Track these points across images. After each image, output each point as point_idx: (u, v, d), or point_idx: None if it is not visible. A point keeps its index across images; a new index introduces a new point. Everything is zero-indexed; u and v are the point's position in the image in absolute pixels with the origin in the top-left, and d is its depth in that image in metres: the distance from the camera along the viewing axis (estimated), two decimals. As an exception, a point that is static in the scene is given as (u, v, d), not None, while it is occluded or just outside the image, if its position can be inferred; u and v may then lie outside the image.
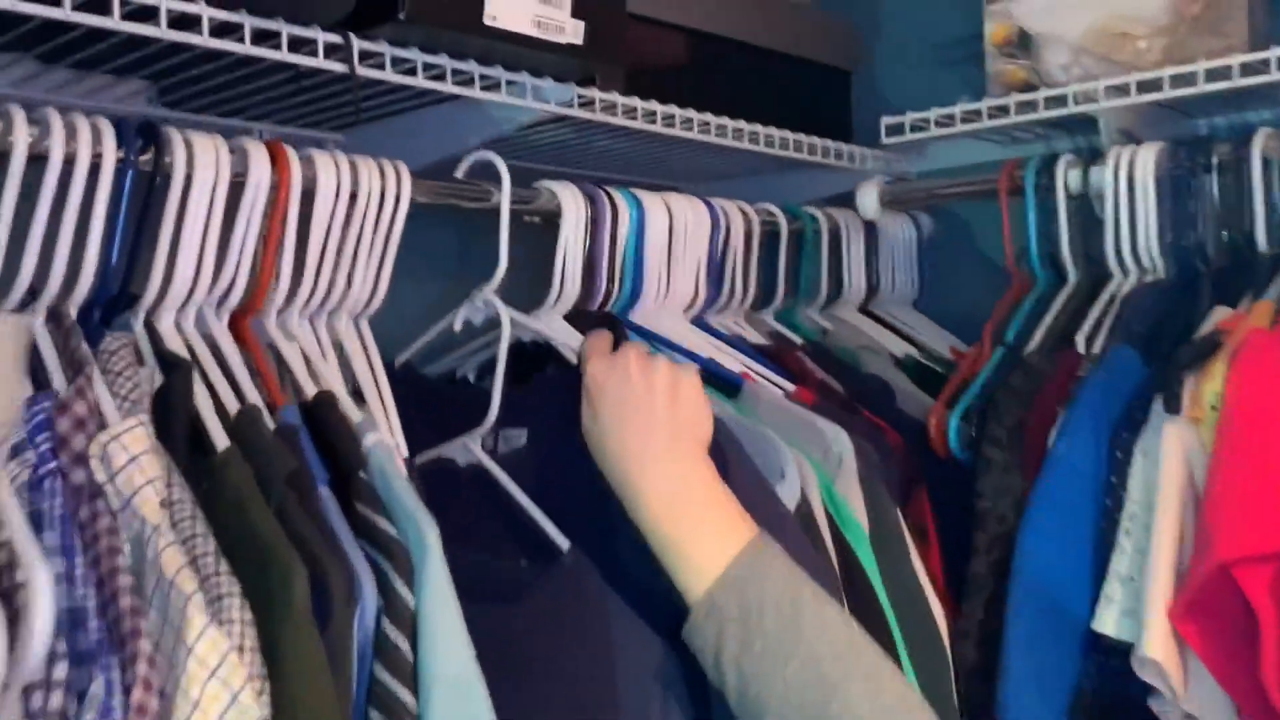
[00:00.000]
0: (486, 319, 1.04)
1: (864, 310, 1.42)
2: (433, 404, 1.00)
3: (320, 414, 0.79)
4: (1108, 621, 0.88)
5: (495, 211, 1.02)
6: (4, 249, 0.71)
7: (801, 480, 0.91)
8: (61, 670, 0.54)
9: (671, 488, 0.79)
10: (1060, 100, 1.15)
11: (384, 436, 0.79)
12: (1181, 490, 0.87)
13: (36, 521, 0.59)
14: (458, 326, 1.05)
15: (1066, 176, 1.16)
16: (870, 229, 1.42)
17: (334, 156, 0.87)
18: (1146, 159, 1.10)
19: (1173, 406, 0.89)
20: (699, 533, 0.78)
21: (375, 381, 0.90)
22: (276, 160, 0.82)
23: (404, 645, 0.67)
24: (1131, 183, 1.11)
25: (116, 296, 0.78)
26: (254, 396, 0.78)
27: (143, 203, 0.77)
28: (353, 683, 0.66)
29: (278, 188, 0.83)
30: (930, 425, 1.07)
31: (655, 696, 0.81)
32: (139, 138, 0.76)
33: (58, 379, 0.69)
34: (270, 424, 0.75)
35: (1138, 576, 0.88)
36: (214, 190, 0.79)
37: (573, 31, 0.95)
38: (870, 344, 1.33)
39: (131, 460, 0.62)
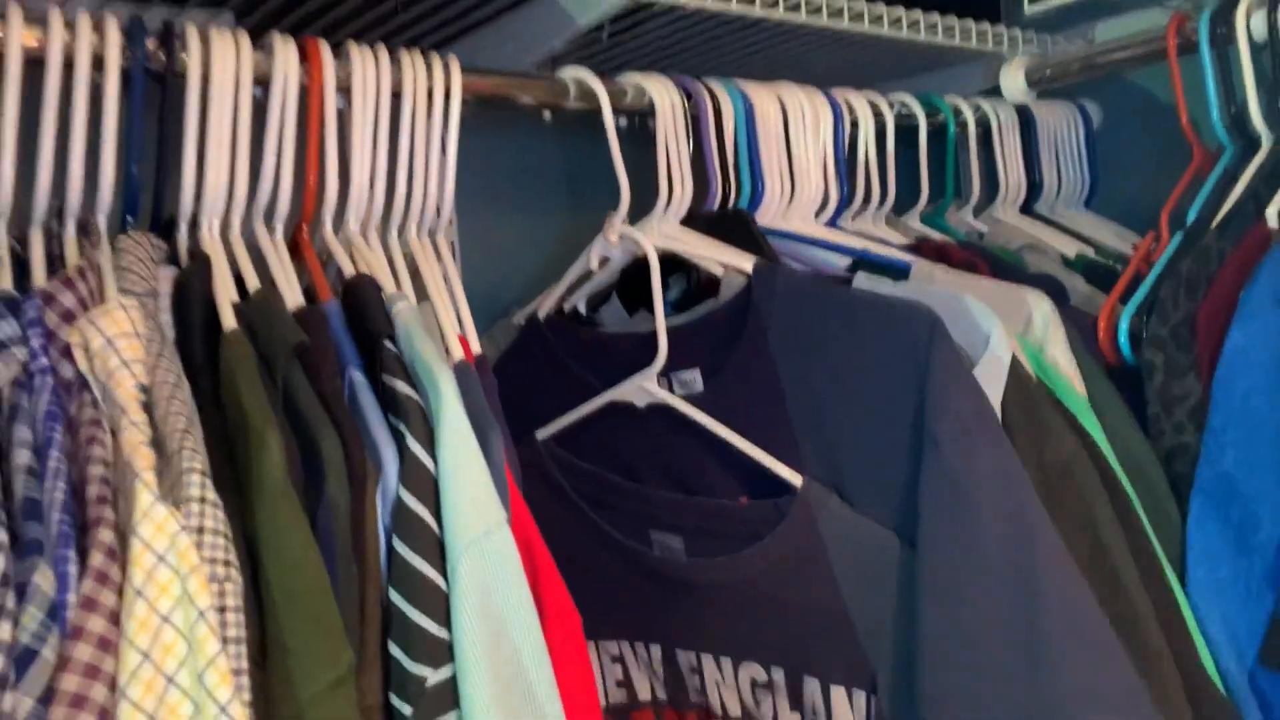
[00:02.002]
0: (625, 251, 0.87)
1: (1026, 211, 1.16)
2: (580, 351, 0.86)
3: (354, 294, 0.66)
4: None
5: (585, 117, 0.85)
6: (12, 160, 0.61)
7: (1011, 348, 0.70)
8: None
9: None
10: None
11: (411, 302, 0.65)
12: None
13: (13, 415, 0.50)
14: (594, 265, 0.89)
15: (1249, 20, 0.87)
16: (1027, 120, 1.15)
17: (375, 51, 0.73)
18: (1358, -18, 0.79)
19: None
20: None
21: (450, 292, 0.75)
22: (307, 56, 0.69)
23: (422, 511, 0.54)
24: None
25: (156, 216, 0.67)
26: (292, 292, 0.66)
27: (161, 107, 0.66)
28: (379, 561, 0.54)
29: (309, 85, 0.69)
30: (1099, 327, 0.81)
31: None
32: (150, 36, 0.64)
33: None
34: (291, 309, 0.63)
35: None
36: (237, 90, 0.67)
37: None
38: (1035, 243, 1.07)
39: (107, 343, 0.52)
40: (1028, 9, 1.02)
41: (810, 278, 0.81)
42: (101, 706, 0.41)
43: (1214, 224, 0.82)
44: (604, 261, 0.88)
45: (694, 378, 0.81)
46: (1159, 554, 0.69)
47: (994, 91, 1.14)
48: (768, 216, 0.94)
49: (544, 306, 0.90)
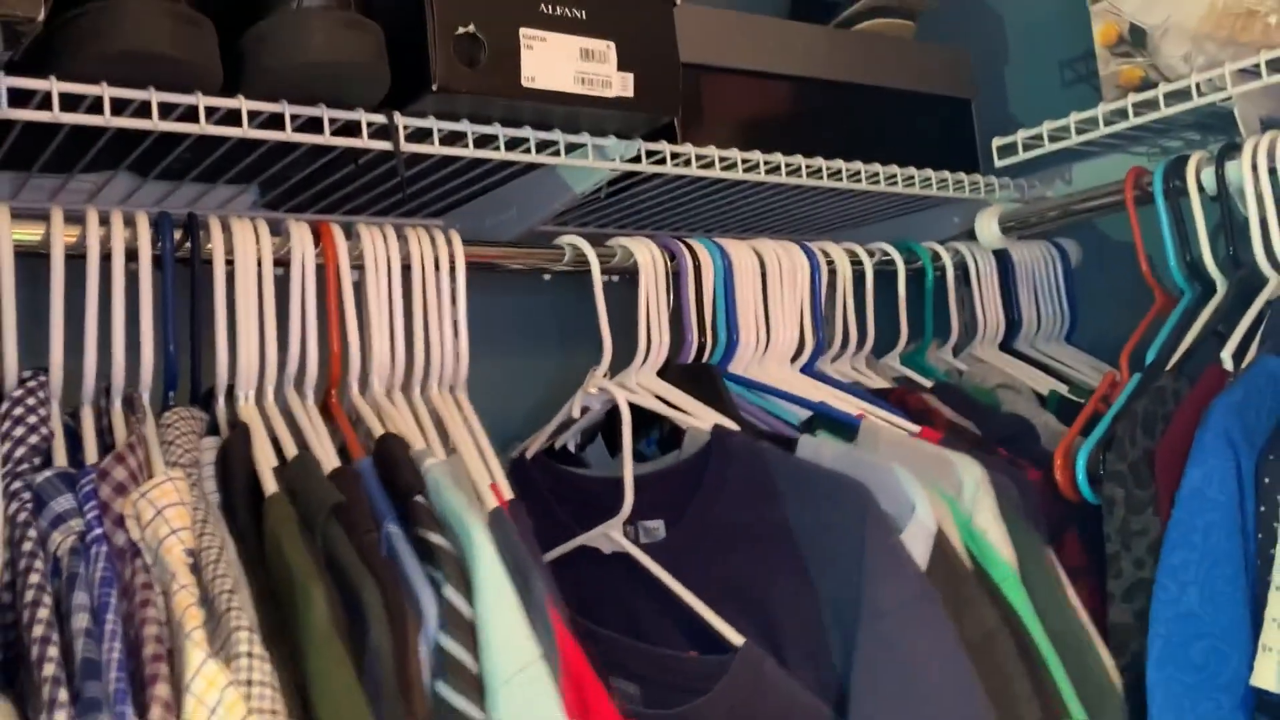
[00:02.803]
0: (603, 403, 1.00)
1: (1006, 348, 1.29)
2: (561, 491, 0.98)
3: (384, 452, 0.77)
4: (1268, 674, 0.74)
5: (575, 275, 0.99)
6: (60, 346, 0.73)
7: (937, 517, 0.81)
8: (62, 716, 0.53)
9: None
10: (1183, 94, 1.02)
11: (440, 457, 0.76)
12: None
13: (71, 583, 0.59)
14: (576, 413, 1.02)
15: (1199, 175, 1.02)
16: (1004, 260, 1.30)
17: (381, 229, 0.86)
18: (1288, 145, 0.95)
19: (1319, 416, 0.74)
20: None
21: (476, 443, 0.86)
22: (320, 237, 0.82)
23: (461, 654, 0.64)
24: (1274, 174, 0.96)
25: (195, 387, 0.79)
26: (325, 454, 0.77)
27: (192, 289, 0.78)
28: (425, 702, 0.63)
29: (325, 263, 0.82)
30: (1055, 465, 0.93)
31: None
32: (175, 228, 0.77)
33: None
34: (326, 471, 0.74)
35: (1301, 621, 0.73)
36: (260, 271, 0.79)
37: (620, 85, 0.92)
38: (1009, 382, 1.20)
39: (157, 514, 0.63)
40: (997, 162, 1.17)
41: (761, 444, 0.91)
42: None
43: (1170, 365, 0.94)
44: (585, 410, 1.01)
45: (658, 526, 0.92)
46: None
47: (973, 233, 1.29)
48: (742, 364, 1.08)
49: (532, 448, 1.02)
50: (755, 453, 0.87)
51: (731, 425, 0.92)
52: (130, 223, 0.77)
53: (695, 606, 0.84)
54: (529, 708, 0.61)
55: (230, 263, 0.79)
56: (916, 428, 0.99)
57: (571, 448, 1.08)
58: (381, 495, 0.73)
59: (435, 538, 0.68)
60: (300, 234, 0.82)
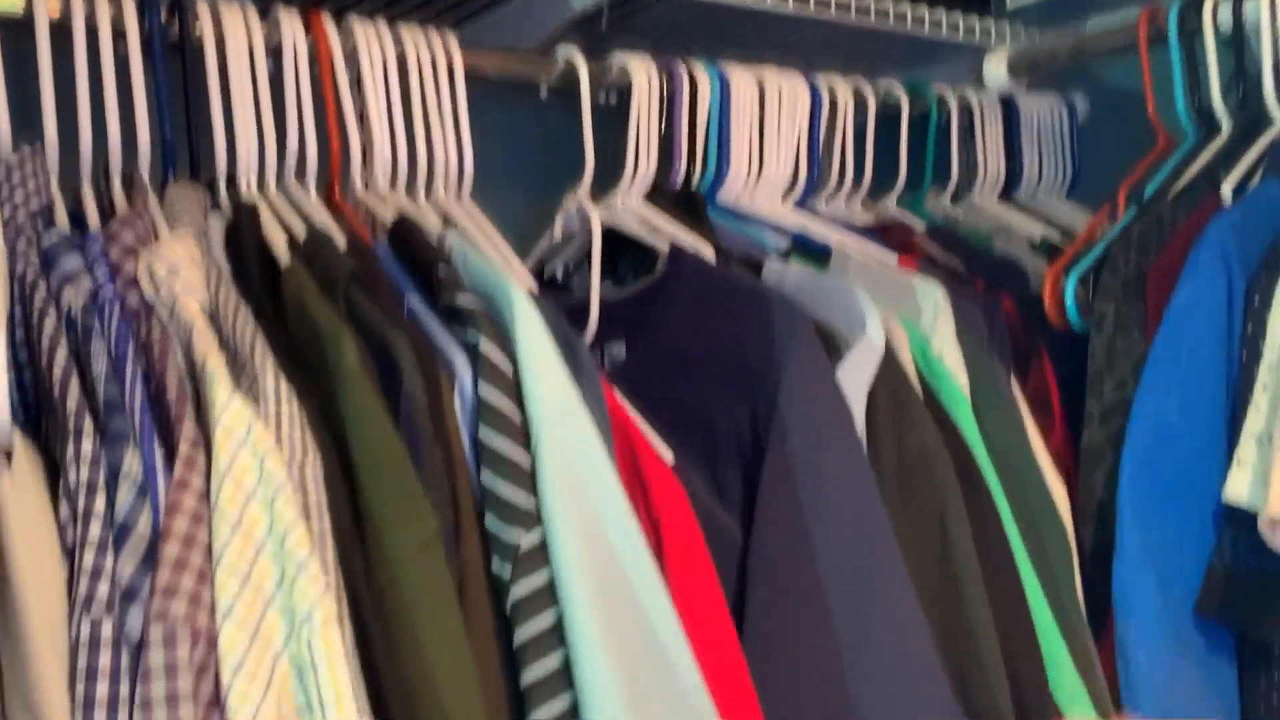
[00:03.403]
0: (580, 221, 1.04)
1: (1005, 199, 1.35)
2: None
3: (400, 232, 0.81)
4: (1240, 487, 0.81)
5: (567, 100, 1.03)
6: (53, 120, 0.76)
7: (891, 339, 0.87)
8: (88, 445, 0.58)
9: None
10: (1202, -70, 1.05)
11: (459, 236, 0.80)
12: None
13: (87, 335, 0.64)
14: (558, 235, 1.06)
15: (1216, 14, 1.06)
16: (1010, 110, 1.34)
17: (376, 26, 0.89)
18: (1306, -20, 0.99)
19: (1311, 234, 0.80)
20: None
21: (492, 241, 0.90)
22: (312, 28, 0.85)
23: (502, 402, 0.68)
24: (1290, 10, 1.00)
25: (195, 175, 0.83)
26: (336, 236, 0.80)
27: (184, 75, 0.82)
28: (464, 450, 0.68)
29: (318, 54, 0.85)
30: (1045, 290, 0.99)
31: None
32: (162, 9, 0.80)
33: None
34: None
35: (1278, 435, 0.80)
36: (251, 59, 0.83)
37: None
38: (1004, 229, 1.26)
39: (171, 271, 0.67)
40: (1009, 4, 1.20)
41: (712, 266, 0.96)
42: (200, 569, 0.56)
43: (1169, 197, 1.00)
44: (567, 233, 1.05)
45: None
46: (1016, 553, 0.84)
47: (982, 83, 1.33)
48: (732, 194, 1.11)
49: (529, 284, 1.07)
50: (705, 273, 0.92)
51: (694, 248, 0.97)
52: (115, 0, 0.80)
53: (639, 425, 0.88)
54: (569, 445, 0.67)
55: (221, 49, 0.82)
56: (894, 258, 1.05)
57: (559, 276, 1.13)
58: (400, 273, 0.77)
59: (464, 299, 0.72)
60: (290, 21, 0.85)
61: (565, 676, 0.64)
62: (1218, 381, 0.85)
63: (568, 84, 1.04)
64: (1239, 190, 0.97)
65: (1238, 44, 1.06)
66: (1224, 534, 0.83)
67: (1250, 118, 1.04)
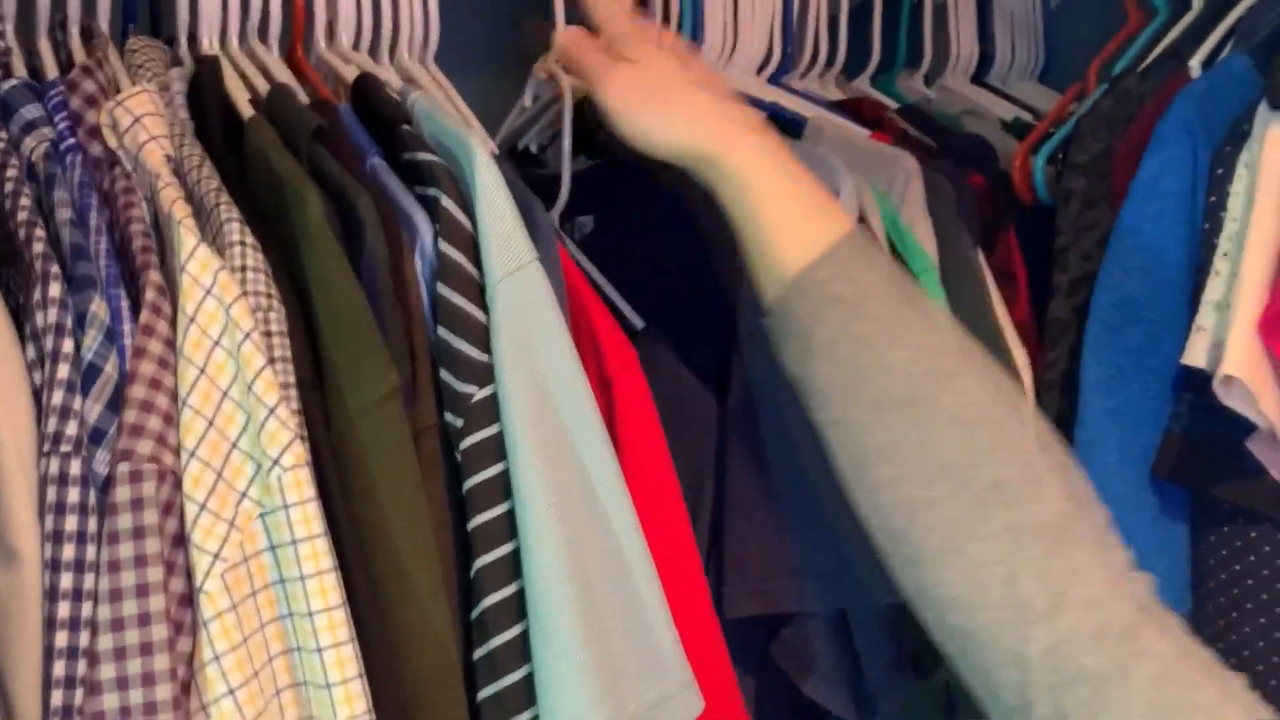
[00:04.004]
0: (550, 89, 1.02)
1: (977, 81, 1.34)
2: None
3: (363, 92, 0.80)
4: (1198, 353, 0.82)
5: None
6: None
7: (861, 205, 0.87)
8: (55, 289, 0.58)
9: (767, 157, 0.71)
10: None
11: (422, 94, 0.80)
12: (1283, 194, 0.79)
13: (50, 183, 0.63)
14: (528, 102, 1.05)
15: (1190, -118, 1.05)
16: (984, -10, 1.32)
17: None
18: None
19: (1276, 101, 0.80)
20: (800, 206, 0.70)
21: (456, 107, 0.89)
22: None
23: (461, 259, 0.68)
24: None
25: (156, 32, 0.81)
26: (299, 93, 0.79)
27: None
28: (422, 305, 0.69)
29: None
30: (1014, 165, 0.99)
31: (707, 482, 0.85)
32: None
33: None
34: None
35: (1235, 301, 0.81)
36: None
37: None
38: (975, 109, 1.25)
39: (135, 121, 0.66)
40: None
41: None
42: (166, 411, 0.56)
43: (1137, 73, 0.99)
44: (537, 99, 1.02)
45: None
46: None
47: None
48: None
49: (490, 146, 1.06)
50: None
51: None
52: None
53: (607, 292, 0.88)
54: (522, 302, 0.67)
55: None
56: (866, 132, 1.05)
57: (534, 148, 1.11)
58: (362, 132, 0.76)
59: (426, 157, 0.71)
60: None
61: (510, 525, 0.65)
62: (1181, 251, 0.86)
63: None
64: (1207, 64, 0.97)
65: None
66: (1182, 399, 0.84)
67: (1226, -4, 1.04)
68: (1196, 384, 0.83)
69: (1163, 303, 0.86)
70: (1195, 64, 0.97)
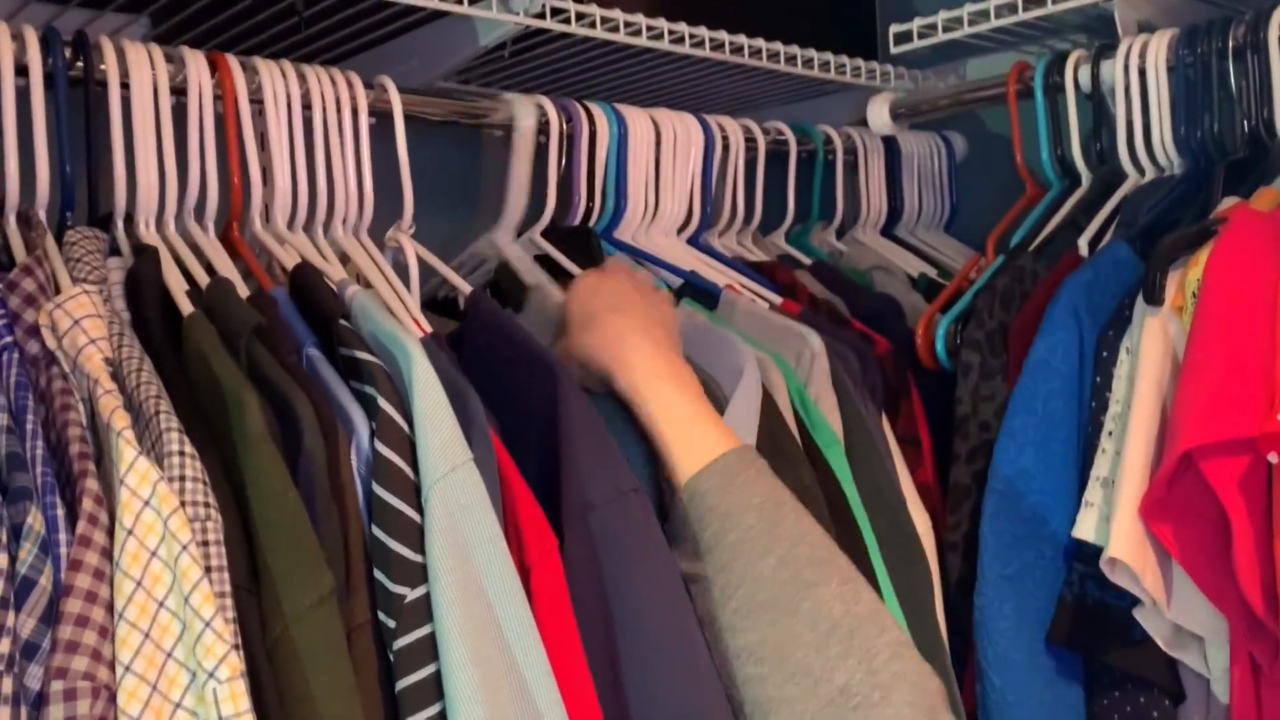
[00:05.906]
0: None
1: (887, 234, 1.41)
2: None
3: (300, 281, 0.82)
4: (1087, 527, 0.87)
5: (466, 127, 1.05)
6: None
7: (768, 383, 0.91)
8: None
9: (678, 374, 0.84)
10: (1068, -8, 1.12)
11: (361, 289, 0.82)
12: (1160, 383, 0.85)
13: None
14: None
15: (1076, 73, 1.13)
16: (892, 148, 1.40)
17: (280, 66, 0.90)
18: (1158, 47, 1.07)
19: (1151, 296, 0.86)
20: (687, 423, 0.81)
21: (386, 279, 0.91)
22: (217, 68, 0.86)
23: (397, 459, 0.70)
24: (1143, 74, 1.08)
25: (93, 212, 0.83)
26: (235, 281, 0.80)
27: (86, 113, 0.82)
28: (358, 503, 0.70)
29: (223, 93, 0.86)
30: (917, 334, 1.05)
31: None
32: (65, 46, 0.80)
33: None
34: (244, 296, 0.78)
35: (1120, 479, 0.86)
36: (156, 98, 0.83)
37: (529, -64, 0.96)
38: (884, 264, 1.31)
39: (75, 324, 0.67)
40: (893, 49, 1.26)
41: (504, 313, 0.94)
42: (101, 625, 0.57)
43: (1031, 248, 1.06)
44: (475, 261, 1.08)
45: None
46: (883, 587, 0.88)
47: (865, 122, 1.38)
48: (629, 232, 1.16)
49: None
50: (498, 321, 0.91)
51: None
52: (18, 36, 0.79)
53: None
54: (456, 505, 0.69)
55: (125, 86, 0.82)
56: (779, 300, 1.10)
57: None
58: (299, 321, 0.78)
59: (364, 355, 0.73)
60: (196, 62, 0.85)
61: None
62: (1070, 428, 0.91)
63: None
64: (1094, 243, 1.04)
65: (1097, 101, 1.14)
66: (1074, 569, 0.89)
67: (1109, 172, 1.11)
68: (1087, 555, 0.88)
69: (1054, 476, 0.91)
70: (1083, 243, 1.04)
